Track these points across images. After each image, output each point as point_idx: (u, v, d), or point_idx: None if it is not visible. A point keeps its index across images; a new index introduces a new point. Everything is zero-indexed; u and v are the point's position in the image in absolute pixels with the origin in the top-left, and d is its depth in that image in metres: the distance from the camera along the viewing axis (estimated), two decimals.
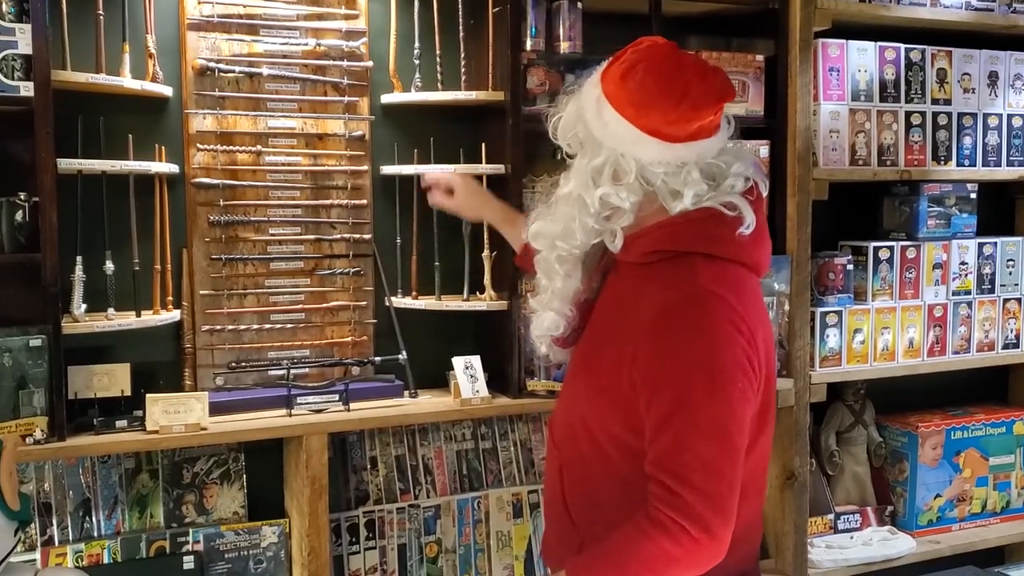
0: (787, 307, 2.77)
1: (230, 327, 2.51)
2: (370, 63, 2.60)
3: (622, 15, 2.68)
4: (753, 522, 1.71)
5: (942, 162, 3.01)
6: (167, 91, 2.43)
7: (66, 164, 2.22)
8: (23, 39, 2.12)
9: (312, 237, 2.59)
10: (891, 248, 2.97)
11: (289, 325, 2.57)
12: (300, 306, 2.58)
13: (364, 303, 2.64)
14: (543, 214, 1.70)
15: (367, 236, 2.63)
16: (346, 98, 2.58)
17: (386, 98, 2.61)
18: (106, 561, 2.34)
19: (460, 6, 2.61)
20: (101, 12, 2.29)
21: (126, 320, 2.32)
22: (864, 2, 2.81)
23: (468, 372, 2.53)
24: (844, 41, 2.84)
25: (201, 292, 2.48)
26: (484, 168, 2.57)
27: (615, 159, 1.57)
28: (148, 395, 2.29)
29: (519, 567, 2.68)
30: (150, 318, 2.37)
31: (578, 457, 1.67)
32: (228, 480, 2.51)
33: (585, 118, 1.60)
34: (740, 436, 1.47)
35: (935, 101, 2.99)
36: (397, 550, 2.59)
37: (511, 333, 2.53)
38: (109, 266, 2.33)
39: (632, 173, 1.56)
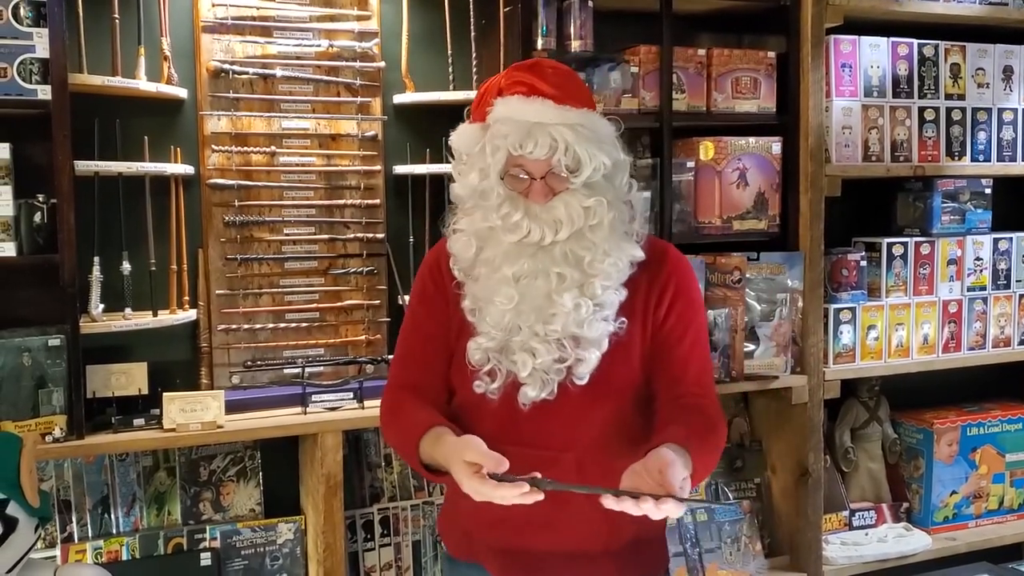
0: (800, 304, 2.76)
1: (245, 326, 2.53)
2: (382, 64, 2.62)
3: (633, 13, 2.69)
4: None
5: (956, 157, 2.99)
6: (182, 93, 2.46)
7: (83, 166, 2.25)
8: (40, 43, 2.15)
9: (326, 237, 2.61)
10: (905, 244, 2.96)
11: (304, 324, 2.59)
12: (314, 305, 2.60)
13: (377, 302, 2.66)
14: None
15: (380, 235, 2.65)
16: (359, 99, 2.60)
17: (398, 98, 2.63)
18: (124, 558, 2.37)
19: (471, 6, 2.62)
20: (117, 16, 2.33)
21: (143, 320, 2.35)
22: None
23: None
24: (856, 37, 2.83)
25: (217, 292, 2.51)
26: None
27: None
28: (165, 394, 2.32)
29: None
30: (167, 318, 2.40)
31: (603, 450, 1.68)
32: (244, 477, 2.54)
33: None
34: None
35: (949, 96, 2.98)
36: (411, 547, 2.61)
37: None
38: (126, 266, 2.36)
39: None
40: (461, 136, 1.73)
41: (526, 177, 1.63)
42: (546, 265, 1.62)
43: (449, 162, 2.58)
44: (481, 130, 1.67)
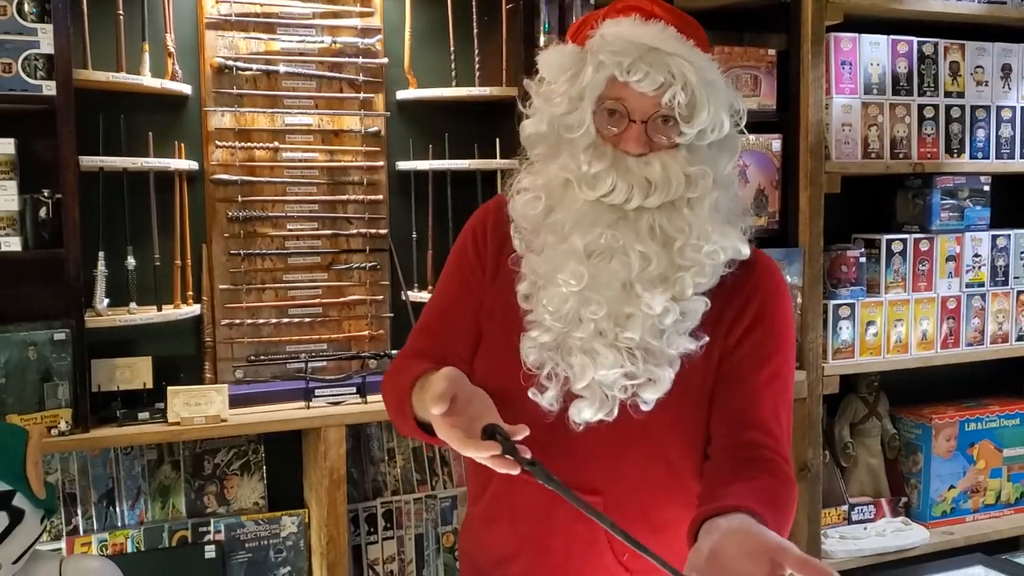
0: (800, 300, 2.78)
1: (249, 321, 2.54)
2: (385, 60, 2.63)
3: None
4: None
5: (955, 155, 3.01)
6: (186, 89, 2.47)
7: (88, 161, 2.26)
8: (45, 39, 2.16)
9: (329, 232, 2.62)
10: (904, 241, 2.97)
11: (307, 319, 2.60)
12: (317, 300, 2.62)
13: (380, 297, 2.67)
14: None
15: (383, 231, 2.66)
16: (362, 95, 2.62)
17: (401, 94, 2.64)
18: (129, 550, 2.39)
19: (474, 2, 2.63)
20: (121, 12, 2.34)
21: (147, 314, 2.36)
22: None
23: None
24: (856, 35, 2.85)
25: (220, 287, 2.52)
26: (499, 163, 2.60)
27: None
28: (169, 387, 2.33)
29: None
30: (171, 312, 2.41)
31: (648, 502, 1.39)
32: (248, 471, 2.56)
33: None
34: None
35: (948, 94, 2.99)
36: (414, 540, 2.63)
37: None
38: (131, 261, 2.38)
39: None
40: (551, 57, 1.37)
41: (624, 116, 1.31)
42: (628, 240, 1.30)
43: (452, 157, 2.64)
44: (579, 53, 1.34)
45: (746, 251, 1.35)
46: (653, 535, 1.19)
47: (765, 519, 1.14)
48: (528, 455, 1.17)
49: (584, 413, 1.29)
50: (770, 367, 1.37)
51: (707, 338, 1.32)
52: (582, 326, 1.30)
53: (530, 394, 1.32)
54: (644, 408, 1.31)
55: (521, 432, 1.18)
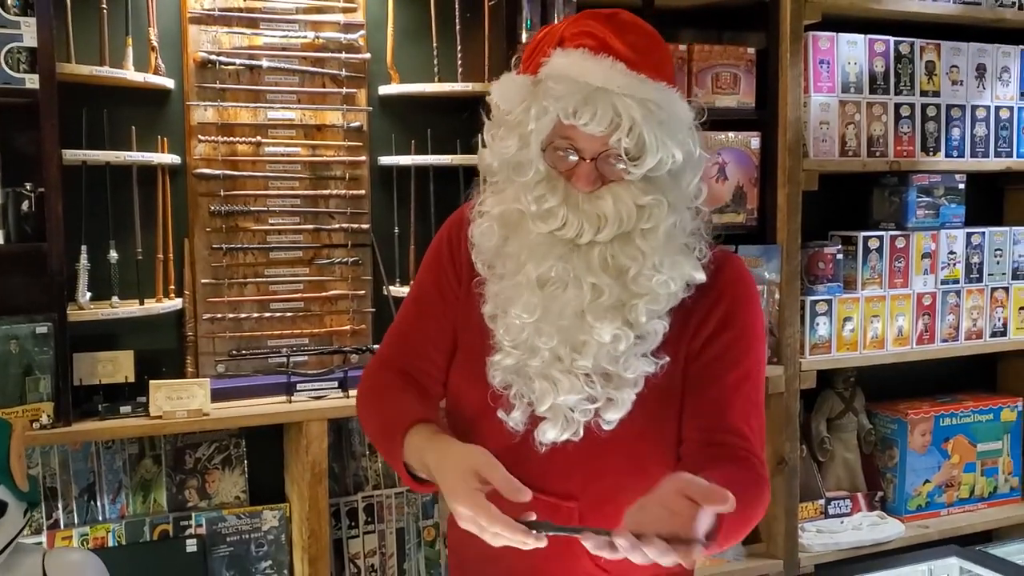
0: (777, 296, 2.81)
1: (231, 315, 2.55)
2: (368, 55, 2.64)
3: (615, 8, 2.71)
4: None
5: (931, 153, 3.05)
6: (169, 83, 2.47)
7: (71, 155, 2.26)
8: (28, 32, 2.16)
9: (311, 227, 2.63)
10: (880, 238, 3.01)
11: (289, 313, 2.61)
12: (299, 295, 2.62)
13: (362, 292, 2.68)
14: None
15: (365, 226, 2.67)
16: (344, 90, 2.63)
17: (383, 89, 2.65)
18: (111, 544, 2.39)
19: None
20: (104, 5, 2.34)
21: (129, 308, 2.37)
22: None
23: None
24: (834, 34, 2.89)
25: (202, 281, 2.53)
26: None
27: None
28: (151, 381, 2.33)
29: None
30: (153, 306, 2.41)
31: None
32: (230, 465, 2.56)
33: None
34: None
35: (924, 93, 3.04)
36: (395, 534, 2.64)
37: None
38: (113, 255, 2.38)
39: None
40: (504, 88, 1.38)
41: (574, 155, 1.32)
42: (579, 272, 1.31)
43: (434, 153, 2.66)
44: (531, 85, 1.34)
45: (700, 277, 1.36)
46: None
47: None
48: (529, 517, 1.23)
49: (548, 434, 1.32)
50: (739, 370, 1.39)
51: (668, 359, 1.34)
52: (538, 354, 1.33)
53: (499, 415, 1.36)
54: (607, 428, 1.33)
55: (526, 496, 1.22)
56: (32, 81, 2.16)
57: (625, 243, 1.32)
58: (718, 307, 1.39)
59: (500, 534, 1.20)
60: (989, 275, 3.19)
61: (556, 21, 2.56)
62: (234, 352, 2.54)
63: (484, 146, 1.42)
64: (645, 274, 1.31)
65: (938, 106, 3.05)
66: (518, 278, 1.34)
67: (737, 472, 1.30)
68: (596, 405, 1.32)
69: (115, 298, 2.37)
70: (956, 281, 3.13)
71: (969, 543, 3.12)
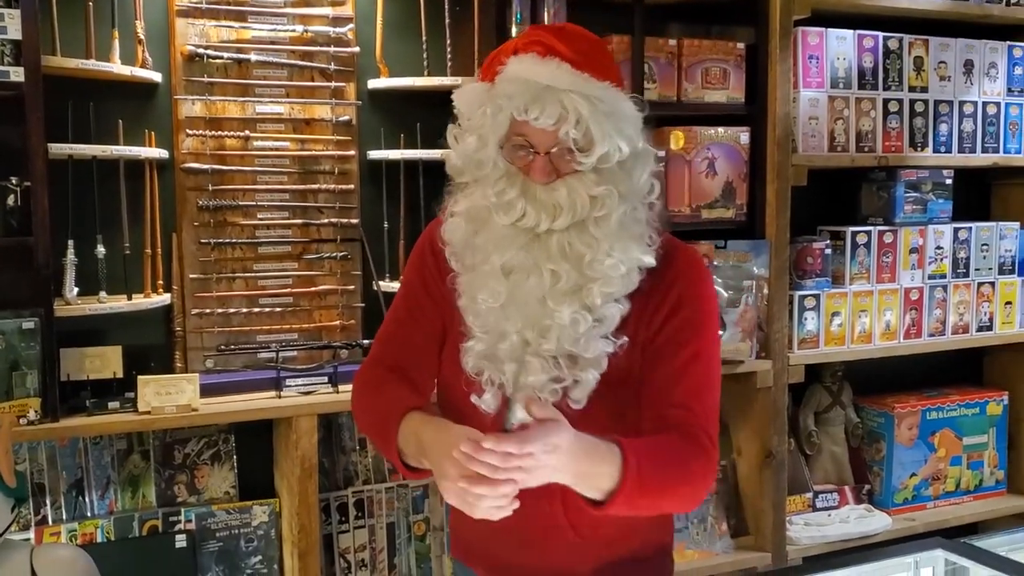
0: (766, 290, 2.82)
1: (219, 310, 2.54)
2: (356, 49, 2.63)
3: (605, 3, 2.72)
4: None
5: (919, 149, 3.07)
6: (156, 77, 2.46)
7: (57, 149, 2.24)
8: (13, 24, 2.14)
9: (300, 222, 2.62)
10: (868, 233, 3.02)
11: (278, 309, 2.60)
12: (288, 290, 2.61)
13: (352, 287, 2.68)
14: None
15: (354, 221, 2.66)
16: (333, 84, 2.61)
17: (373, 83, 2.64)
18: (99, 540, 2.38)
19: None
20: None
21: (117, 303, 2.35)
22: None
23: None
24: (823, 29, 2.89)
25: (191, 276, 2.51)
26: None
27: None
28: (140, 377, 2.32)
29: None
30: (141, 301, 2.40)
31: None
32: (219, 461, 2.55)
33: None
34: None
35: (912, 88, 3.05)
36: (386, 528, 2.64)
37: None
38: (100, 250, 2.36)
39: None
40: (464, 95, 1.52)
41: (529, 150, 1.44)
42: (539, 259, 1.44)
43: (423, 147, 2.65)
44: (487, 90, 1.48)
45: (649, 261, 1.48)
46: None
47: (628, 450, 1.36)
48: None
49: (518, 415, 1.38)
50: (689, 349, 1.50)
51: (626, 339, 1.46)
52: (507, 338, 1.45)
53: (472, 399, 1.48)
54: (575, 407, 1.43)
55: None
56: (17, 74, 2.14)
57: (581, 231, 1.44)
58: (671, 292, 1.51)
59: (483, 496, 1.30)
60: (976, 270, 3.21)
61: (545, 15, 2.57)
62: (223, 347, 2.53)
63: (449, 148, 1.54)
64: (599, 259, 1.43)
65: (926, 102, 3.06)
66: (484, 267, 1.47)
67: (673, 439, 1.44)
68: (563, 384, 1.43)
69: (103, 293, 2.35)
70: (943, 276, 3.15)
71: (955, 536, 3.13)
